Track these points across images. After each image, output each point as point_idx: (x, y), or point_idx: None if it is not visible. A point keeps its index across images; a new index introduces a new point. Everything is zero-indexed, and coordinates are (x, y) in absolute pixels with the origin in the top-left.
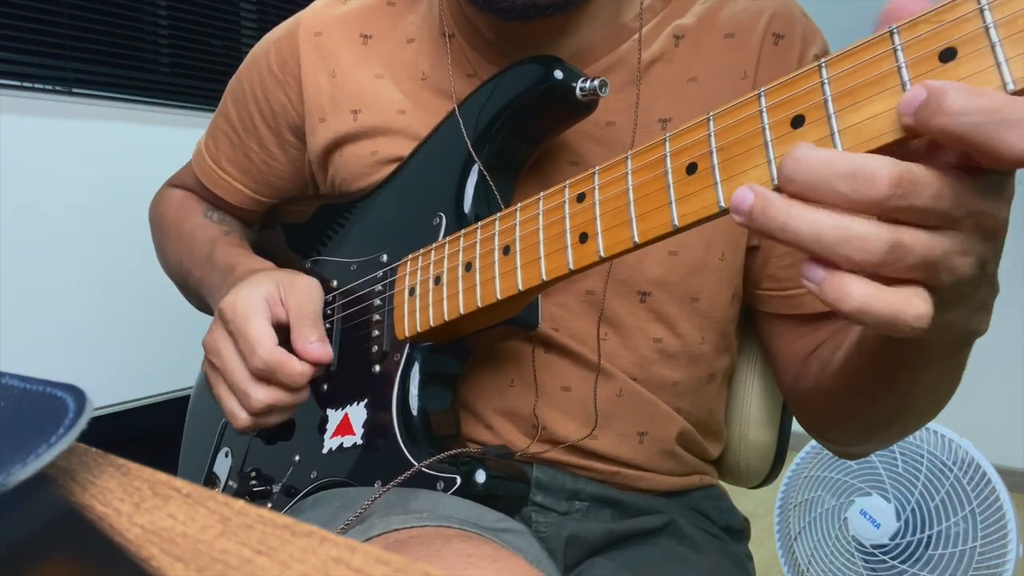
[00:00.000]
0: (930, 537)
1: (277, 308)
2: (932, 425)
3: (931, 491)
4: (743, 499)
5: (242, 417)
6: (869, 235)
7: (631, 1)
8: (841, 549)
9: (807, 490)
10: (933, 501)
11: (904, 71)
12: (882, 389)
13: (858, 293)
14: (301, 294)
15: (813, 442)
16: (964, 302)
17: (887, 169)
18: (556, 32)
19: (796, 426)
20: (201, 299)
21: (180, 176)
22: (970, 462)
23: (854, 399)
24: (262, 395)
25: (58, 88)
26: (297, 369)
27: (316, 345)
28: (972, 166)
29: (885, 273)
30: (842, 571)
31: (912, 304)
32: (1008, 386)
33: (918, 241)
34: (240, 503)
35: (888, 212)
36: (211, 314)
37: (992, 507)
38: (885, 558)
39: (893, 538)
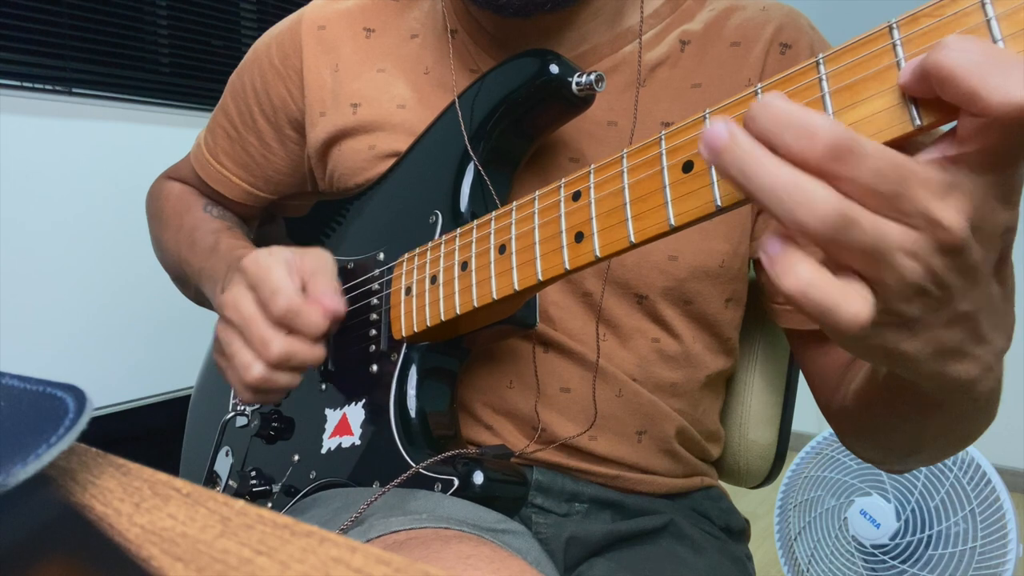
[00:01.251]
0: (930, 537)
1: (294, 275)
2: None
3: (931, 491)
4: (743, 499)
5: (256, 369)
6: (820, 198)
7: (636, 3)
8: (841, 549)
9: (807, 490)
10: (933, 501)
11: (904, 66)
12: (894, 425)
13: (802, 272)
14: (315, 259)
15: (813, 442)
16: (922, 330)
17: (828, 129)
18: (558, 29)
19: (796, 426)
20: (199, 291)
21: (177, 169)
22: (970, 462)
23: (875, 428)
24: (280, 343)
25: (58, 88)
26: (317, 316)
27: (331, 296)
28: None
29: (833, 251)
30: (842, 571)
31: (850, 300)
32: (1008, 386)
33: (867, 220)
34: (240, 503)
35: (831, 179)
36: (207, 307)
37: (992, 507)
38: (885, 558)
39: (893, 538)
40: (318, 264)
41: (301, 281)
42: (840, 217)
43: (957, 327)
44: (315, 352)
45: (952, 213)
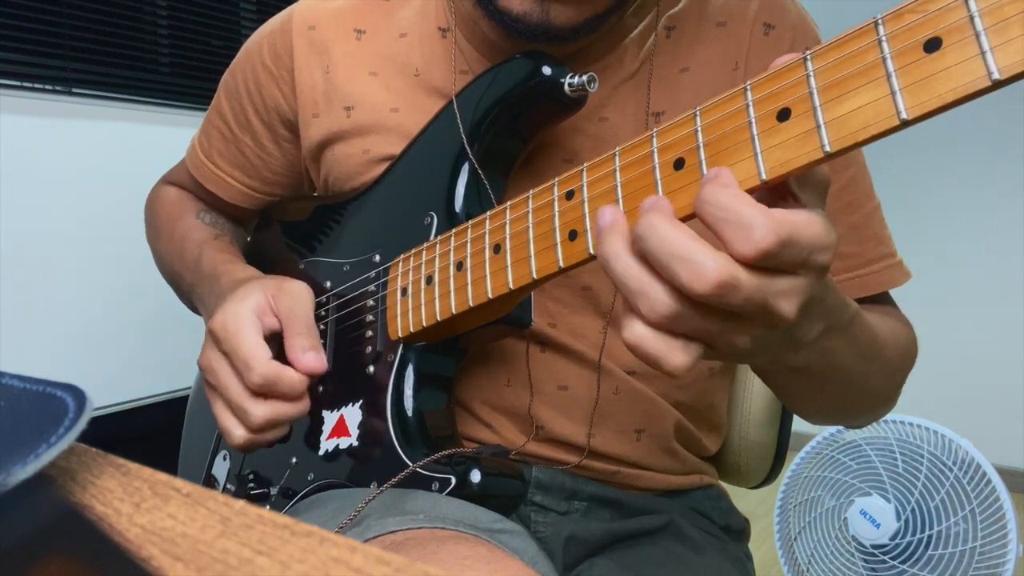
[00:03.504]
0: (930, 537)
1: (268, 318)
2: (932, 425)
3: (931, 491)
4: (743, 499)
5: (239, 435)
6: (658, 300)
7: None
8: (841, 549)
9: (807, 490)
10: (933, 501)
11: (889, 62)
12: (781, 390)
13: (636, 330)
14: (291, 300)
15: (813, 442)
16: (748, 358)
17: (716, 269)
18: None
19: (796, 426)
20: (193, 304)
21: (175, 173)
22: (970, 462)
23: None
24: (260, 411)
25: (58, 88)
26: (296, 379)
27: (310, 355)
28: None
29: (667, 328)
30: (842, 571)
31: (673, 355)
32: (1008, 386)
33: (697, 320)
34: (240, 503)
35: (701, 303)
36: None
37: (992, 507)
38: (885, 558)
39: (893, 538)
40: (294, 306)
41: (276, 321)
42: (672, 316)
43: (776, 350)
44: (298, 408)
45: (788, 306)
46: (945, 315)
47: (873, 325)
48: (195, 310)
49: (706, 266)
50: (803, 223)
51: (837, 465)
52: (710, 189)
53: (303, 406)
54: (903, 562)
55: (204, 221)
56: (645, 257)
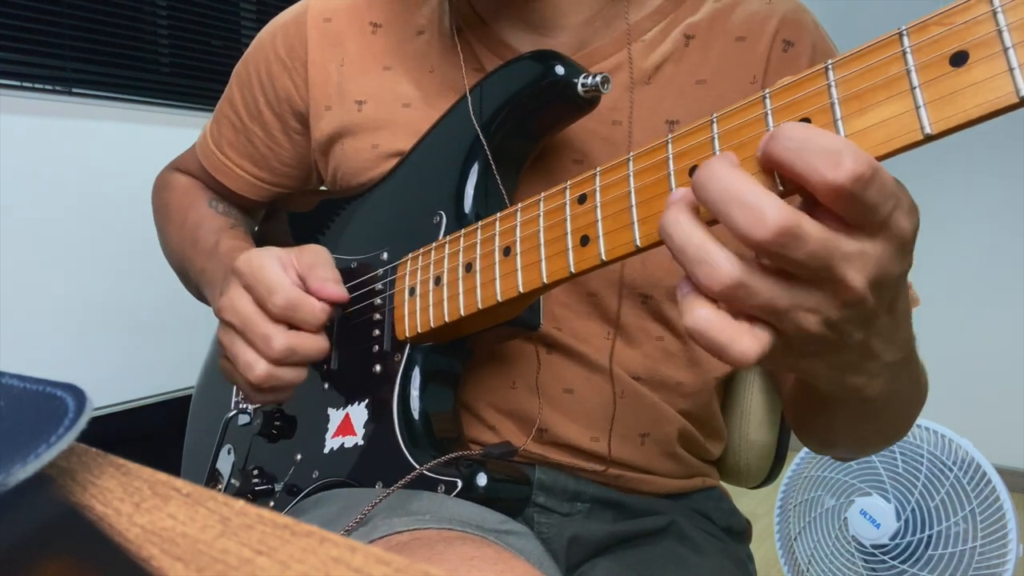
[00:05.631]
0: (930, 537)
1: (290, 271)
2: (932, 425)
3: (931, 491)
4: (743, 499)
5: (260, 367)
6: (721, 266)
7: (641, 2)
8: (841, 549)
9: (807, 490)
10: (933, 501)
11: (914, 75)
12: (811, 419)
13: (699, 314)
14: (311, 255)
15: None
16: (818, 357)
17: (778, 214)
18: (551, 22)
19: None
20: (199, 289)
21: (184, 161)
22: (970, 462)
23: (801, 420)
24: (282, 337)
25: (58, 88)
26: (317, 306)
27: (331, 284)
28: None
29: (728, 305)
30: (842, 571)
31: (741, 341)
32: (1008, 386)
33: (764, 288)
34: (240, 503)
35: (769, 256)
36: (207, 303)
37: (992, 507)
38: (885, 558)
39: (893, 538)
40: (315, 258)
41: (298, 276)
42: (736, 286)
43: (850, 353)
44: (318, 343)
45: (857, 276)
46: (945, 315)
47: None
48: (200, 297)
49: (766, 209)
50: (887, 172)
51: (837, 465)
52: (782, 127)
53: (324, 343)
54: (903, 562)
55: (217, 210)
56: (707, 212)
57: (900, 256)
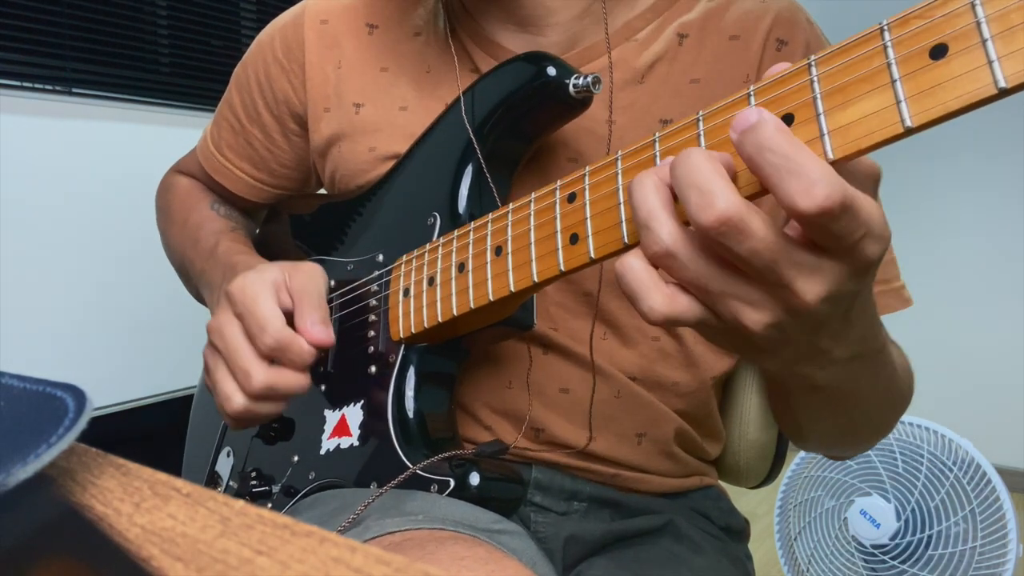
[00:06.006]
0: (930, 537)
1: (282, 293)
2: (932, 425)
3: (931, 491)
4: (743, 499)
5: (238, 400)
6: (658, 232)
7: (633, 1)
8: (841, 549)
9: (807, 490)
10: (933, 501)
11: (894, 68)
12: (776, 409)
13: (628, 261)
14: (304, 278)
15: None
16: (761, 350)
17: (726, 204)
18: (539, 19)
19: None
20: (199, 290)
21: (186, 163)
22: (970, 462)
23: (776, 413)
24: (263, 374)
25: (58, 88)
26: (305, 348)
27: (318, 327)
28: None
29: (666, 271)
30: (842, 571)
31: (651, 296)
32: (1008, 386)
33: (694, 266)
34: (240, 503)
35: (711, 242)
36: (207, 306)
37: (992, 507)
38: (885, 558)
39: (893, 538)
40: (307, 283)
41: (289, 299)
42: (666, 254)
43: (795, 349)
44: (299, 381)
45: (810, 289)
46: (945, 315)
47: (893, 355)
48: (200, 299)
49: (717, 197)
50: (865, 199)
51: (837, 465)
52: (770, 133)
53: (305, 380)
54: (903, 562)
55: (219, 213)
56: (671, 190)
57: (859, 277)
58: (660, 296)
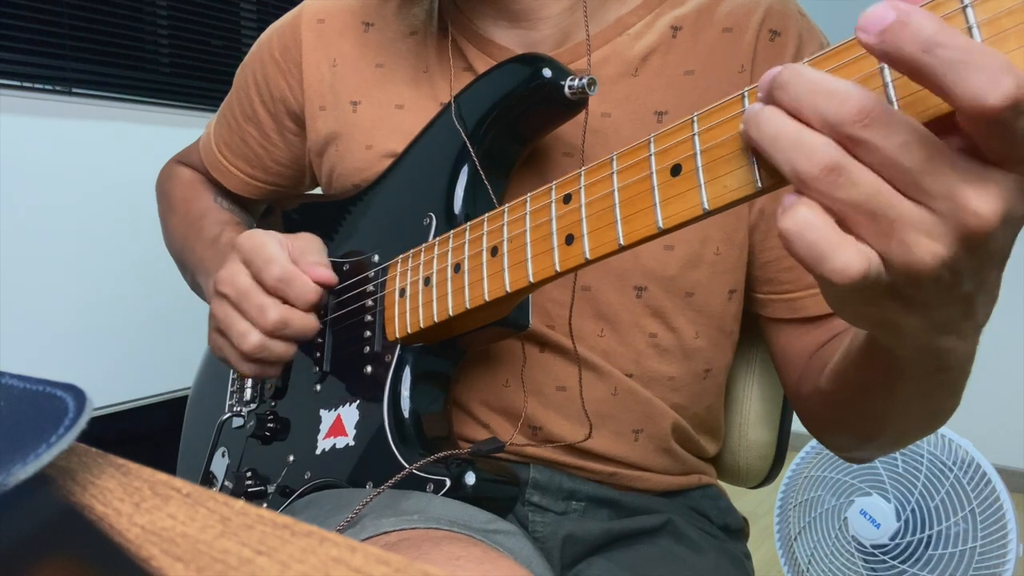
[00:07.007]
0: (930, 537)
1: (284, 248)
2: None
3: (931, 491)
4: (743, 499)
5: (253, 337)
6: (817, 146)
7: None
8: (841, 549)
9: (807, 490)
10: (933, 501)
11: (886, 71)
12: (861, 400)
13: (801, 214)
14: (304, 242)
15: (813, 442)
16: (923, 308)
17: (859, 94)
18: (530, 13)
19: (796, 426)
20: (194, 278)
21: (189, 154)
22: (970, 462)
23: (843, 405)
24: (276, 309)
25: (58, 88)
26: (309, 285)
27: (320, 268)
28: (980, 154)
29: (827, 198)
30: (842, 571)
31: (842, 252)
32: (1008, 386)
33: (864, 178)
34: (240, 503)
35: (859, 145)
36: (201, 296)
37: (992, 507)
38: (885, 558)
39: (893, 538)
40: (307, 245)
41: (291, 258)
42: (833, 167)
43: (955, 307)
44: (309, 321)
45: (989, 202)
46: None
47: None
48: (195, 286)
49: (849, 92)
50: None
51: (837, 465)
52: (937, 26)
53: (314, 321)
54: (903, 562)
55: (222, 206)
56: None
57: None
58: (852, 250)
